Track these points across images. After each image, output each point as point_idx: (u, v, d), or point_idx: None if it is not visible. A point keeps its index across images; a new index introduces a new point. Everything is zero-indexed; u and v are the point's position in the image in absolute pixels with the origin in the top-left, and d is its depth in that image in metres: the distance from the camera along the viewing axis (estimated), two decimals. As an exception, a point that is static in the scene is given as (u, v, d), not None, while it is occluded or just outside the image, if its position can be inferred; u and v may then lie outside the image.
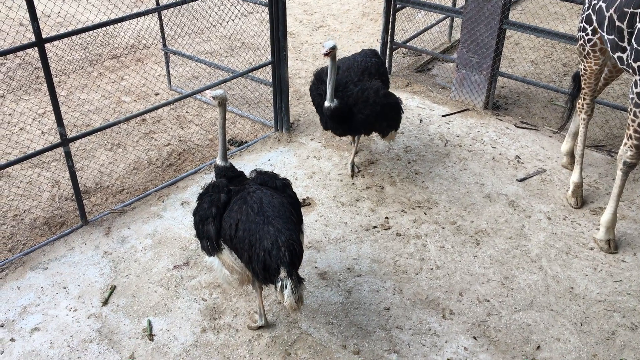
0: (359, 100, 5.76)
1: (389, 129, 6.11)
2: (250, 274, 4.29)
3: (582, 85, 5.82)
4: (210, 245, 4.34)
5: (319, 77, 6.01)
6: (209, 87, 6.72)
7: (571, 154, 6.49)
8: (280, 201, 4.33)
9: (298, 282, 4.00)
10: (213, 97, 4.64)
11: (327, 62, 5.56)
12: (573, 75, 6.38)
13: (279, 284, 3.96)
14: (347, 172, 6.43)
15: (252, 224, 4.10)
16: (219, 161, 4.74)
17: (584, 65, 5.68)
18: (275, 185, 4.49)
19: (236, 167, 4.82)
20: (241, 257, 4.19)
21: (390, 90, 6.26)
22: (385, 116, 5.90)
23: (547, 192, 6.23)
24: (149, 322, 4.75)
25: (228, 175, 4.69)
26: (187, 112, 7.85)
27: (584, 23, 5.47)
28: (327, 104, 5.71)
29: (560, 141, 6.96)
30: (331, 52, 5.44)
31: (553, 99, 8.00)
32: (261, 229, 4.07)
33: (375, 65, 6.17)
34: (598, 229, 5.60)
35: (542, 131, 7.27)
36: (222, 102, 4.66)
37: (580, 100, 5.92)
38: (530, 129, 7.31)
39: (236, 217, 4.18)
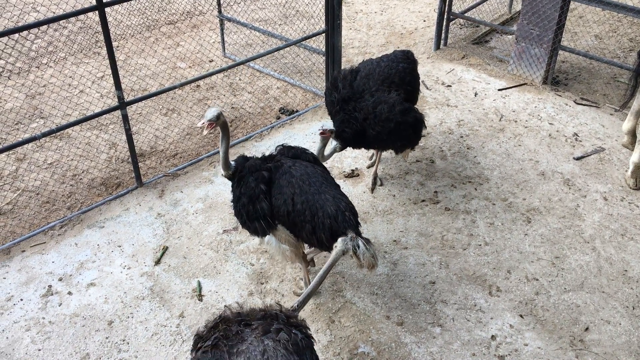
0: (370, 116, 5.19)
1: (404, 148, 5.54)
2: (310, 243, 4.33)
3: (649, 62, 5.56)
4: (265, 224, 4.27)
5: (334, 83, 5.43)
6: (262, 55, 6.75)
7: (633, 133, 6.24)
8: (322, 169, 4.42)
9: (367, 241, 4.02)
10: (214, 118, 4.32)
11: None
12: (639, 51, 6.10)
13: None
14: (369, 185, 5.88)
15: (308, 195, 4.14)
16: (224, 171, 4.53)
17: (653, 40, 5.41)
18: (308, 159, 4.51)
19: (246, 155, 4.64)
20: (300, 229, 4.19)
21: (417, 102, 5.69)
22: (399, 135, 5.27)
23: (604, 172, 6.02)
24: (199, 283, 4.90)
25: (238, 172, 4.46)
26: (239, 79, 7.90)
27: (655, -5, 5.20)
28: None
29: (622, 119, 6.69)
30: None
31: (616, 76, 7.67)
32: (319, 199, 4.12)
33: (401, 72, 5.46)
34: (657, 212, 5.41)
35: (603, 109, 7.00)
36: (224, 120, 4.41)
37: (646, 77, 5.67)
38: (591, 106, 7.05)
39: (290, 192, 4.18)
